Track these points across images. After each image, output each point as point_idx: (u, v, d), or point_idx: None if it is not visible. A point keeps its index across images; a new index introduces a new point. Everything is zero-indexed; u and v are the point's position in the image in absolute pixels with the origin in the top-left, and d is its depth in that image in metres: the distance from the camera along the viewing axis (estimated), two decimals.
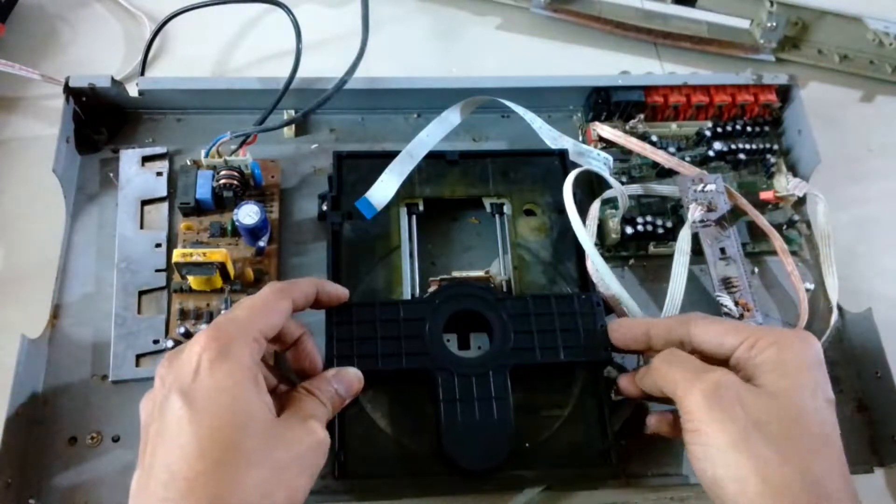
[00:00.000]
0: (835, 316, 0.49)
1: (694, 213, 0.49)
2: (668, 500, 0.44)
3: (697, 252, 0.49)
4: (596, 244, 0.47)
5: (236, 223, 0.47)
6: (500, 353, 0.42)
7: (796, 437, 0.33)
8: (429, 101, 0.54)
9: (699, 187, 0.50)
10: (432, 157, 0.49)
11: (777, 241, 0.51)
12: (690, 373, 0.36)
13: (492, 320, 0.43)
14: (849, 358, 0.50)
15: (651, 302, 0.50)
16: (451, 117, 0.51)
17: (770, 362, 0.35)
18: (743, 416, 0.33)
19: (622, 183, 0.51)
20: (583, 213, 0.48)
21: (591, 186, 0.52)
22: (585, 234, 0.46)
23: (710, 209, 0.49)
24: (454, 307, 0.43)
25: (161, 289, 0.47)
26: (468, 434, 0.40)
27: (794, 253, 0.52)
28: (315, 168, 0.53)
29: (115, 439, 0.43)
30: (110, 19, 0.61)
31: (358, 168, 0.48)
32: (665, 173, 0.53)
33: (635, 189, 0.51)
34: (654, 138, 0.54)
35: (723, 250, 0.49)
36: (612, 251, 0.51)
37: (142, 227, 0.49)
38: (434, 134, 0.49)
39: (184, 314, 0.46)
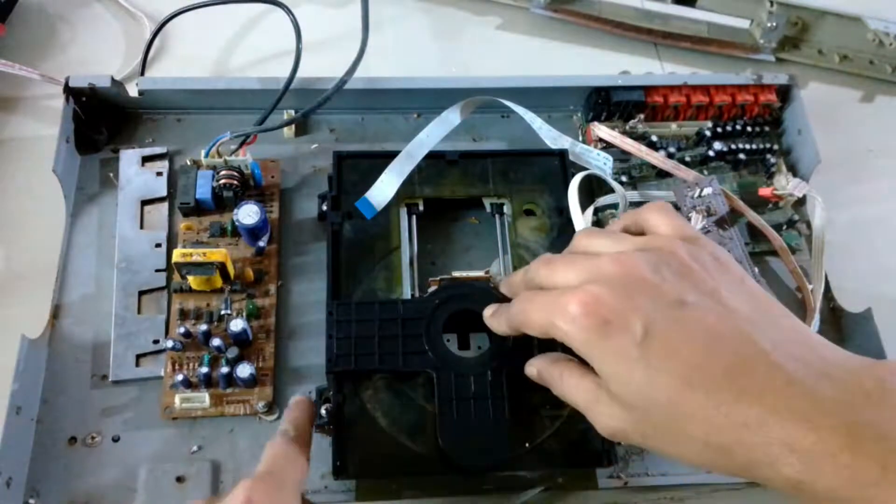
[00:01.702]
0: (816, 321, 0.48)
1: (696, 223, 0.48)
2: (668, 500, 0.44)
3: None
4: None
5: (236, 223, 0.47)
6: (499, 353, 0.41)
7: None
8: (429, 101, 0.54)
9: (695, 193, 0.50)
10: (432, 157, 0.49)
11: (776, 241, 0.51)
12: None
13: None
14: None
15: None
16: (451, 117, 0.51)
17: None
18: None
19: (621, 183, 0.51)
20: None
21: (589, 185, 0.52)
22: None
23: (709, 213, 0.49)
24: (454, 307, 0.43)
25: (161, 289, 0.47)
26: (465, 432, 0.40)
27: (793, 252, 0.52)
28: (315, 168, 0.53)
29: (115, 439, 0.43)
30: (110, 19, 0.61)
31: (358, 168, 0.48)
32: (667, 172, 0.53)
33: (632, 196, 0.51)
34: (654, 138, 0.54)
35: None
36: None
37: (142, 227, 0.49)
38: (434, 134, 0.49)
39: (184, 314, 0.46)
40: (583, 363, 0.33)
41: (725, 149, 0.54)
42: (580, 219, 0.46)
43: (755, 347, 0.29)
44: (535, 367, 0.38)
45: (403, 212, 0.48)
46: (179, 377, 0.43)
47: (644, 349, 0.30)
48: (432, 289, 0.44)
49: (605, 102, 0.54)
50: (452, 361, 0.41)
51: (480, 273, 0.46)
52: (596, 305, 0.31)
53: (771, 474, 0.28)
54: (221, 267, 0.44)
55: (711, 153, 0.54)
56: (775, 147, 0.55)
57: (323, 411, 0.42)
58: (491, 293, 0.43)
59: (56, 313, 0.46)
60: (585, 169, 0.50)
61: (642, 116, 0.54)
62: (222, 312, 0.45)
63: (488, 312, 0.40)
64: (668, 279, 0.32)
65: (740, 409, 0.28)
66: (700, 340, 0.30)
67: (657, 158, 0.52)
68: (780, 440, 0.27)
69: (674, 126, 0.55)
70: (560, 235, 0.48)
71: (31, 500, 0.41)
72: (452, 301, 0.43)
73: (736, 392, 0.28)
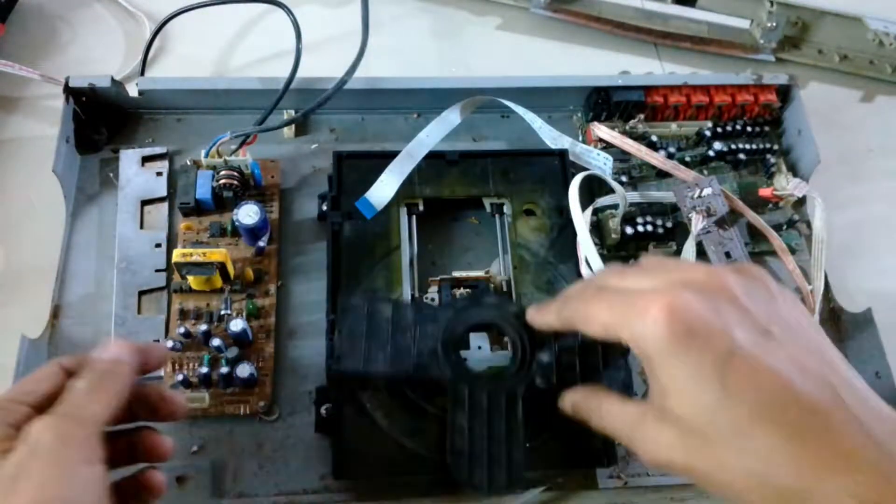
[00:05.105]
0: (816, 321, 0.48)
1: (697, 224, 0.48)
2: (669, 500, 0.44)
3: (701, 253, 0.49)
4: (595, 242, 0.47)
5: (236, 223, 0.47)
6: (517, 376, 0.40)
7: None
8: (429, 101, 0.54)
9: (695, 193, 0.50)
10: (432, 157, 0.49)
11: (776, 241, 0.51)
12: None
13: (511, 336, 0.41)
14: (849, 358, 0.50)
15: None
16: (451, 117, 0.51)
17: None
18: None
19: (621, 183, 0.51)
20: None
21: (590, 185, 0.52)
22: (589, 241, 0.46)
23: (709, 213, 0.49)
24: (476, 318, 0.41)
25: (161, 289, 0.47)
26: (474, 455, 0.38)
27: (793, 253, 0.52)
28: (315, 168, 0.53)
29: None
30: (110, 19, 0.61)
31: (358, 168, 0.48)
32: (667, 173, 0.53)
33: (632, 197, 0.51)
34: (654, 138, 0.54)
35: (728, 254, 0.49)
36: (612, 252, 0.51)
37: (142, 227, 0.49)
38: (434, 134, 0.49)
39: (184, 314, 0.46)
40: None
41: (725, 149, 0.54)
42: (580, 219, 0.46)
43: (833, 392, 0.28)
44: (570, 401, 0.37)
45: (403, 212, 0.48)
46: (179, 377, 0.43)
47: (723, 370, 0.28)
48: (433, 289, 0.44)
49: (605, 102, 0.54)
50: (468, 376, 0.39)
51: (480, 273, 0.46)
52: (684, 312, 0.29)
53: None
54: (221, 267, 0.44)
55: (711, 153, 0.54)
56: (775, 147, 0.55)
57: (323, 411, 0.42)
58: (513, 304, 0.42)
59: (56, 313, 0.46)
60: (585, 169, 0.50)
61: (642, 116, 0.54)
62: (222, 312, 0.45)
63: (533, 309, 0.39)
64: (759, 305, 0.31)
65: (810, 453, 0.27)
66: (783, 375, 0.28)
67: (657, 159, 0.52)
68: (849, 491, 0.26)
69: (674, 126, 0.55)
70: (560, 235, 0.48)
71: None
72: (473, 311, 0.41)
73: (810, 435, 0.27)
